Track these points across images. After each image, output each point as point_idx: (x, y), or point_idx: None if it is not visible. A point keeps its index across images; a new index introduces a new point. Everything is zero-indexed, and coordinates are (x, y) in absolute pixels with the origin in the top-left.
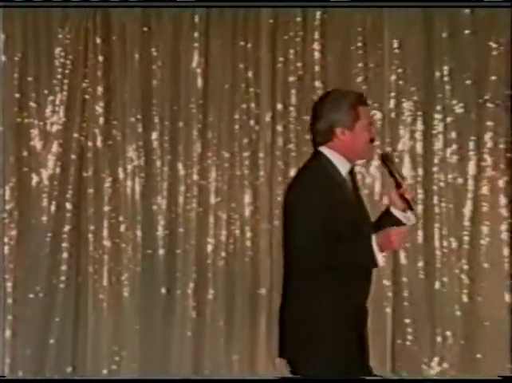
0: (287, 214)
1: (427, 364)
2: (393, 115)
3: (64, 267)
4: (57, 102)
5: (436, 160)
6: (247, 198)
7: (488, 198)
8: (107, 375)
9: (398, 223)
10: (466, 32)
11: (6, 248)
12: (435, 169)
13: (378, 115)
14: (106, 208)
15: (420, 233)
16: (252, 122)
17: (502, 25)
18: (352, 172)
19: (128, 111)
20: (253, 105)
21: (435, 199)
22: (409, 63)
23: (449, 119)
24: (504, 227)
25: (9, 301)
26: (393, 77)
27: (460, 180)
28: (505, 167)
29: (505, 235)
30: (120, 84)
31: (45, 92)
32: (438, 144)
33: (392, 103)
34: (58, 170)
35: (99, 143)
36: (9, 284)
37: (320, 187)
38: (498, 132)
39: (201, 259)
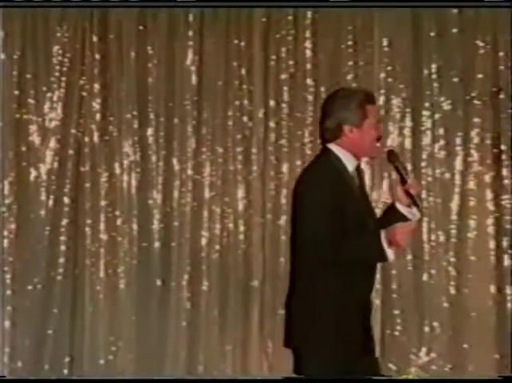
0: (296, 208)
1: (415, 354)
2: (382, 111)
3: (61, 260)
4: (55, 99)
5: (424, 156)
6: (240, 192)
7: (475, 192)
8: (104, 365)
9: (403, 218)
10: (454, 31)
11: (6, 241)
12: (423, 164)
13: None
14: (103, 202)
15: None
16: (245, 118)
17: (488, 24)
18: (358, 169)
19: (124, 107)
20: (246, 102)
21: (424, 194)
22: (398, 61)
23: (437, 115)
24: (490, 220)
25: (9, 292)
26: (382, 75)
27: (448, 175)
28: (491, 163)
29: (491, 229)
30: (117, 81)
31: (44, 89)
32: (426, 140)
33: (382, 100)
34: (56, 165)
35: (96, 138)
36: (8, 276)
37: (328, 182)
38: (484, 128)
39: (195, 252)
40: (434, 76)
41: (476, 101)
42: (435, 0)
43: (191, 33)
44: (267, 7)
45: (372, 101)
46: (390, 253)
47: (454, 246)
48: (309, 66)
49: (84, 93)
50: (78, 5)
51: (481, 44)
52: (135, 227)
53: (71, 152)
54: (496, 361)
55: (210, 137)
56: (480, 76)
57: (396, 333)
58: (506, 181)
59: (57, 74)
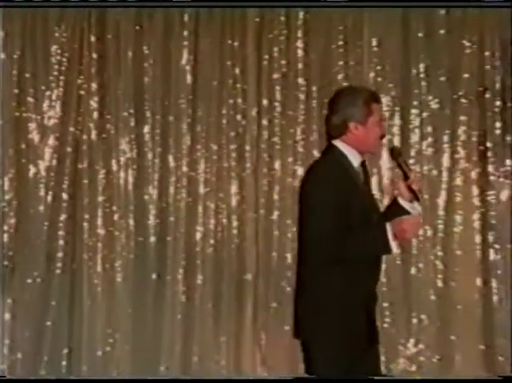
0: (303, 204)
1: (403, 345)
2: None
3: (60, 254)
4: (54, 97)
5: (413, 153)
6: (234, 188)
7: (461, 188)
8: (101, 356)
9: (405, 213)
10: (441, 32)
11: (6, 236)
12: (411, 161)
13: None
14: (100, 198)
15: None
16: (239, 117)
17: (474, 25)
18: (363, 165)
19: (121, 106)
20: (239, 101)
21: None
22: (387, 61)
23: (425, 114)
24: (476, 216)
25: (9, 285)
26: (372, 74)
27: (435, 172)
28: (477, 160)
29: (477, 224)
30: (114, 80)
31: (43, 88)
32: (414, 138)
33: None
34: (55, 162)
35: (93, 136)
36: (8, 270)
37: (333, 179)
38: (470, 126)
39: (190, 247)
40: (422, 76)
41: (463, 100)
42: (426, 0)
43: (186, 33)
44: (260, 7)
45: (377, 100)
46: (394, 245)
47: (441, 240)
48: (300, 66)
49: (82, 92)
50: (76, 5)
51: (467, 44)
52: (131, 222)
53: (69, 149)
54: (482, 352)
55: (204, 135)
56: (466, 75)
57: (385, 325)
58: (492, 177)
59: (55, 73)
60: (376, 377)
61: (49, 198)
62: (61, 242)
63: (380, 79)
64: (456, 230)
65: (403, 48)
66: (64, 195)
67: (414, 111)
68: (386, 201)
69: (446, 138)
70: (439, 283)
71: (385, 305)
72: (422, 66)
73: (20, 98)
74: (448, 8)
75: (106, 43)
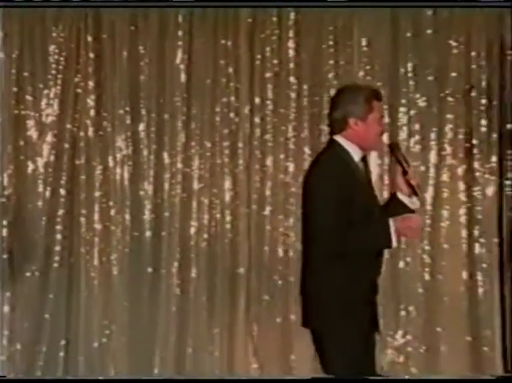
0: (307, 197)
1: (391, 336)
2: None
3: (58, 248)
4: (52, 96)
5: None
6: (227, 184)
7: (448, 184)
8: (98, 347)
9: (404, 207)
10: (429, 32)
11: (5, 230)
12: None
13: None
14: (97, 194)
15: None
16: (232, 114)
17: (461, 25)
18: (364, 160)
19: (118, 104)
20: (233, 99)
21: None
22: (376, 60)
23: (412, 112)
24: (462, 211)
25: (8, 279)
26: (361, 73)
27: (422, 168)
28: (463, 156)
29: (463, 219)
30: (110, 79)
31: (41, 86)
32: (402, 135)
33: None
34: (53, 158)
35: (90, 133)
36: (7, 263)
37: (335, 175)
38: (457, 123)
39: (184, 241)
40: (410, 75)
41: (450, 98)
42: (417, 0)
43: (180, 33)
44: (252, 7)
45: (379, 98)
46: (394, 239)
47: (428, 235)
48: (292, 65)
49: (79, 90)
50: (73, 5)
51: (454, 44)
52: (127, 217)
53: (67, 146)
54: (468, 343)
55: (198, 132)
56: (453, 74)
57: None
58: (478, 174)
59: (53, 72)
60: (375, 378)
61: (47, 193)
62: (59, 236)
63: (369, 78)
64: (443, 224)
65: (391, 48)
66: (62, 191)
67: (402, 109)
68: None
69: (433, 135)
70: (427, 276)
71: None
72: (410, 65)
73: (18, 96)
74: (448, 8)
75: (102, 43)
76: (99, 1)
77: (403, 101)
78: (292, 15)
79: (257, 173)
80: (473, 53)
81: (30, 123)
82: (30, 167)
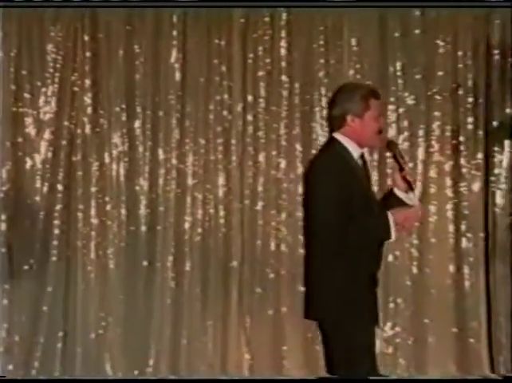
0: (308, 193)
1: (381, 328)
2: None
3: (55, 242)
4: (49, 93)
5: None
6: (221, 180)
7: (435, 180)
8: (94, 339)
9: (401, 202)
10: (417, 32)
11: (3, 225)
12: (388, 154)
13: None
14: (93, 189)
15: None
16: (225, 112)
17: (447, 25)
18: (362, 157)
19: (114, 102)
20: (226, 97)
21: (389, 181)
22: (366, 59)
23: (401, 109)
24: (449, 206)
25: (6, 272)
26: (351, 72)
27: (411, 164)
28: (450, 153)
29: (450, 214)
30: (106, 77)
31: (39, 84)
32: (391, 132)
33: None
34: (50, 155)
35: (87, 130)
36: (6, 257)
37: (336, 169)
38: (444, 121)
39: (179, 235)
40: (398, 74)
41: (437, 97)
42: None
43: (175, 33)
44: (245, 7)
45: (376, 96)
46: (393, 231)
47: (416, 229)
48: (284, 64)
49: (76, 88)
50: (71, 5)
51: (441, 44)
52: (123, 211)
53: (64, 142)
54: (454, 335)
55: (192, 129)
56: (441, 73)
57: None
58: (464, 170)
59: (51, 71)
60: (375, 378)
61: (45, 189)
62: (57, 230)
63: (358, 76)
64: (431, 219)
65: (380, 47)
66: (60, 187)
67: (391, 107)
68: None
69: (421, 132)
70: (415, 270)
71: None
72: (398, 64)
73: (17, 94)
74: (449, 8)
75: (99, 42)
76: (96, 1)
77: (392, 99)
78: (284, 15)
79: (249, 169)
80: (459, 53)
81: (28, 120)
82: (28, 163)
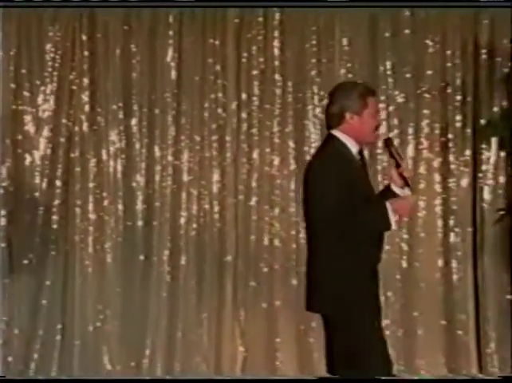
0: (309, 189)
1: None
2: None
3: (54, 237)
4: (48, 92)
5: (380, 144)
6: (215, 176)
7: (424, 176)
8: (92, 331)
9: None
10: (406, 32)
11: (3, 220)
12: (378, 151)
13: None
14: (91, 185)
15: None
16: (220, 110)
17: (436, 25)
18: (361, 153)
19: (111, 100)
20: (220, 95)
21: (379, 177)
22: (357, 59)
23: (391, 107)
24: (438, 201)
25: (6, 266)
26: (343, 71)
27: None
28: (439, 150)
29: (439, 209)
30: (104, 76)
31: (37, 83)
32: (381, 130)
33: None
34: (49, 151)
35: (85, 128)
36: (5, 251)
37: (336, 163)
38: (433, 119)
39: (175, 230)
40: (389, 73)
41: (426, 95)
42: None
43: (171, 32)
44: (239, 7)
45: (373, 94)
46: (393, 221)
47: (406, 224)
48: (277, 63)
49: (74, 87)
50: (69, 5)
51: (430, 43)
52: (120, 207)
53: (62, 139)
54: (443, 327)
55: (188, 127)
56: (430, 72)
57: None
58: (453, 166)
59: (49, 70)
60: (375, 377)
61: (44, 185)
62: (55, 225)
63: (350, 75)
64: (420, 214)
65: (371, 47)
66: (58, 182)
67: (381, 105)
68: None
69: (411, 130)
70: (404, 264)
71: None
72: (388, 64)
73: (16, 92)
74: (448, 8)
75: (96, 42)
76: (94, 1)
77: (383, 98)
78: (277, 16)
79: (243, 166)
80: (448, 52)
81: (28, 118)
82: (28, 159)
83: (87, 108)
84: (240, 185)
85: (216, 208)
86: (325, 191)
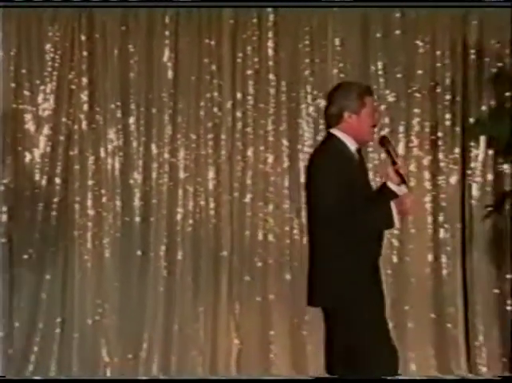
0: (310, 186)
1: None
2: None
3: (53, 233)
4: (48, 91)
5: (371, 142)
6: (211, 174)
7: (415, 174)
8: (91, 325)
9: (393, 194)
10: (397, 32)
11: (4, 216)
12: (370, 149)
13: (322, 103)
14: (90, 182)
15: None
16: (215, 109)
17: (426, 26)
18: (359, 151)
19: (109, 99)
20: (216, 94)
21: (371, 175)
22: (349, 59)
23: (382, 106)
24: (428, 198)
25: (7, 261)
26: (335, 71)
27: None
28: (429, 148)
29: (428, 206)
30: (102, 76)
31: (37, 82)
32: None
33: None
34: (49, 149)
35: (84, 126)
36: (6, 247)
37: (336, 160)
38: (423, 117)
39: (171, 226)
40: (380, 72)
41: (417, 94)
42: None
43: (167, 33)
44: (235, 7)
45: (371, 94)
46: (397, 219)
47: None
48: (271, 63)
49: (73, 86)
50: (68, 5)
51: (421, 44)
52: (118, 203)
53: (62, 138)
54: (432, 320)
55: (184, 125)
56: (420, 72)
57: None
58: (442, 164)
59: (49, 69)
60: (375, 378)
61: (44, 182)
62: (55, 221)
63: (342, 75)
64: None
65: (363, 47)
66: (58, 180)
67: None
68: None
69: (401, 128)
70: (395, 259)
71: None
72: (380, 64)
73: (17, 92)
74: (447, 8)
75: (95, 42)
76: (92, 2)
77: (374, 97)
78: (271, 17)
79: (238, 163)
80: (438, 52)
81: (28, 116)
82: (28, 157)
83: (86, 107)
84: (235, 182)
85: (212, 205)
86: (326, 189)
